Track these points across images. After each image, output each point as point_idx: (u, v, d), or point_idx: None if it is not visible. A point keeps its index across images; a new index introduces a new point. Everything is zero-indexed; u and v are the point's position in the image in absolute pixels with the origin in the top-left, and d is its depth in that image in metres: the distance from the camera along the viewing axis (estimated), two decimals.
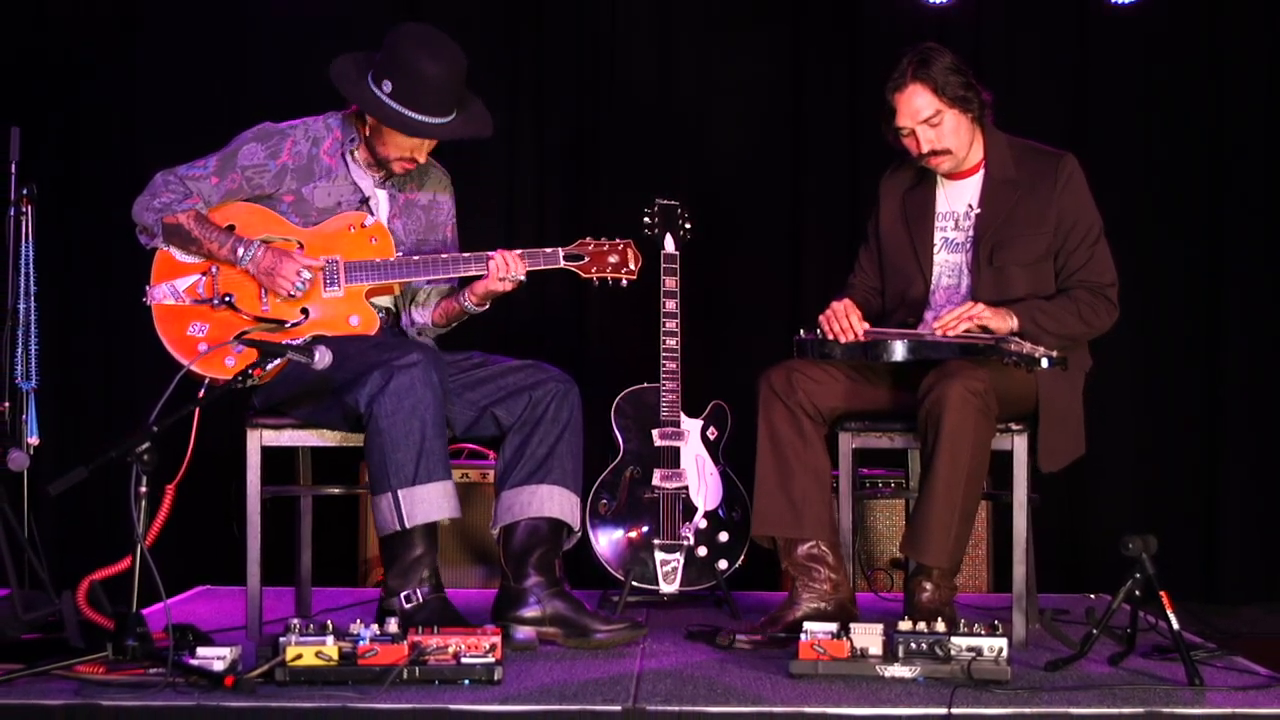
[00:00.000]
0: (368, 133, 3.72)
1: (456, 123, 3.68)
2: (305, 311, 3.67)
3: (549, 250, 3.72)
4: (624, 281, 3.76)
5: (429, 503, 3.44)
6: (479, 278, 3.69)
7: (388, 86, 3.60)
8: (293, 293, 3.63)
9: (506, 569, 3.57)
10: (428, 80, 3.59)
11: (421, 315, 3.87)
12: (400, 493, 3.42)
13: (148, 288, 3.69)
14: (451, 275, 3.73)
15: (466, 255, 3.70)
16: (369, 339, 3.65)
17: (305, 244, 3.70)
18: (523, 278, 3.67)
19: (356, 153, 3.78)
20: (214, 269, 3.67)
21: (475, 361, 3.71)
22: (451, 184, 3.97)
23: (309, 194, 3.73)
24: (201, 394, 3.43)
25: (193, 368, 3.50)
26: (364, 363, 3.47)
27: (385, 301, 3.83)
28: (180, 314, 3.67)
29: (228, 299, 3.66)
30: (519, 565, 3.54)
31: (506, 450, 3.62)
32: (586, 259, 3.74)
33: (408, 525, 3.43)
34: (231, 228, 3.68)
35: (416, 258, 3.72)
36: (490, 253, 3.67)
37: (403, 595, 3.46)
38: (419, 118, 3.61)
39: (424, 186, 3.90)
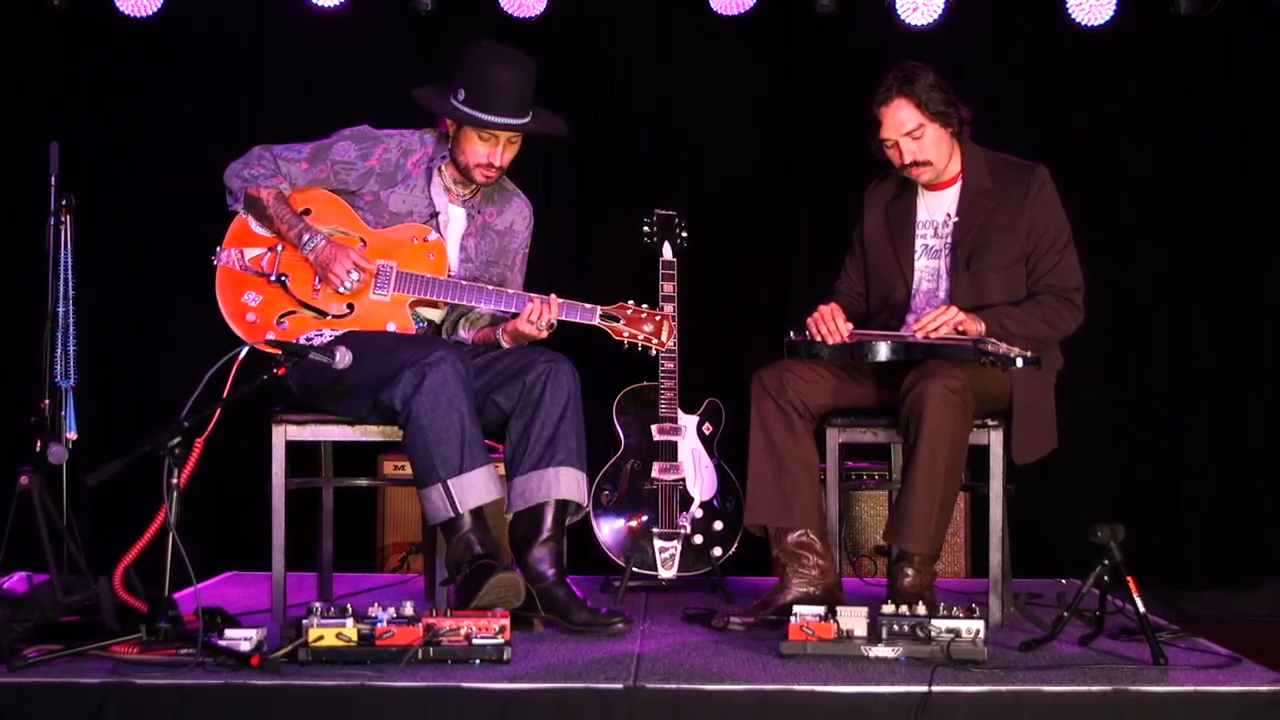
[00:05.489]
0: (451, 145, 3.72)
1: (526, 122, 3.67)
2: (350, 307, 3.67)
3: (587, 306, 3.64)
4: (653, 350, 3.68)
5: (477, 487, 3.42)
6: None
7: (461, 94, 3.62)
8: (341, 289, 3.63)
9: (514, 554, 3.56)
10: (497, 84, 3.60)
11: (465, 333, 3.85)
12: (450, 482, 3.40)
13: (218, 249, 3.72)
14: (492, 307, 3.68)
15: (510, 293, 3.66)
16: (394, 335, 3.64)
17: (368, 242, 3.70)
18: (553, 324, 3.61)
19: (444, 169, 3.77)
20: (279, 247, 3.69)
21: (474, 350, 3.70)
22: (532, 216, 3.94)
23: (386, 197, 3.73)
24: (239, 363, 3.34)
25: (252, 344, 3.46)
26: (391, 359, 3.46)
27: (430, 314, 3.82)
28: (240, 280, 3.70)
29: (283, 278, 3.67)
30: (523, 552, 3.53)
31: (512, 434, 3.58)
32: (622, 321, 3.64)
33: (460, 511, 3.41)
34: (307, 211, 3.70)
35: (464, 282, 3.69)
36: (532, 295, 3.62)
37: (455, 572, 3.43)
38: (488, 116, 3.61)
39: (504, 212, 3.88)
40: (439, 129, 3.78)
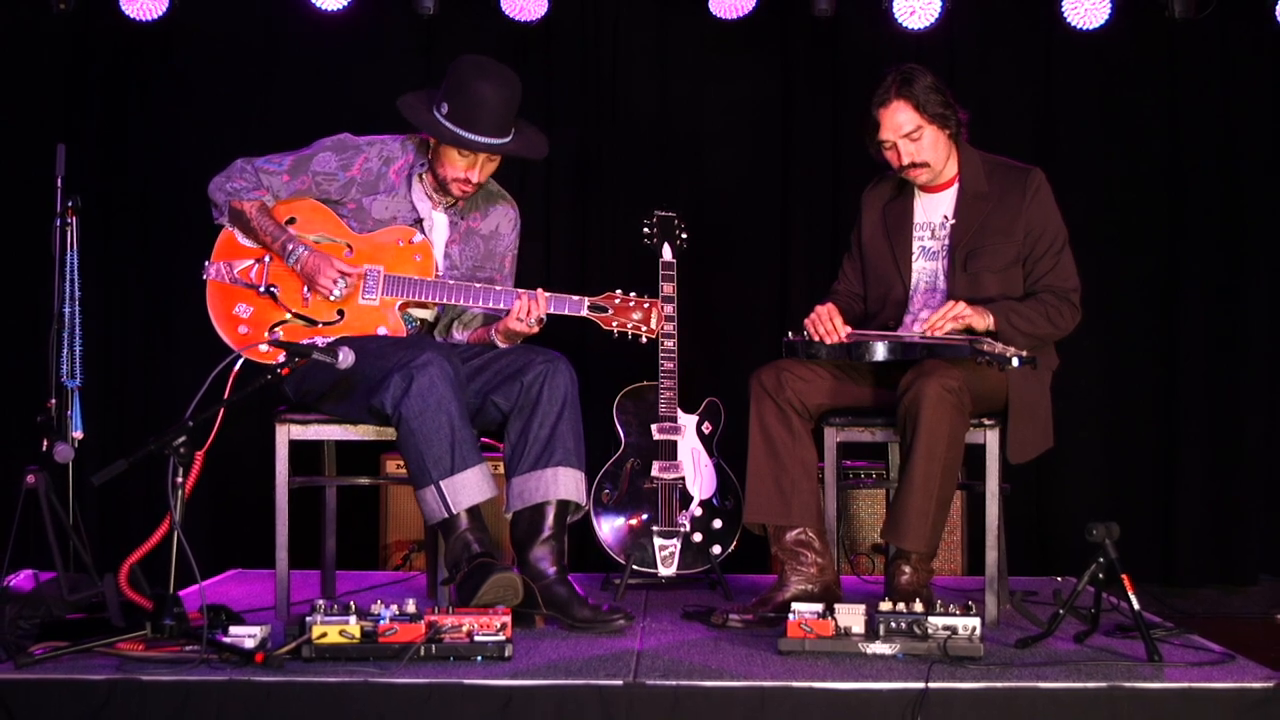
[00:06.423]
0: (431, 156, 3.71)
1: (507, 143, 3.65)
2: (341, 313, 3.67)
3: (575, 298, 3.62)
4: (644, 338, 3.65)
5: (470, 487, 3.42)
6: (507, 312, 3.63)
7: (444, 109, 3.60)
8: (329, 298, 3.63)
9: (514, 553, 3.56)
10: (480, 101, 3.57)
11: (459, 334, 3.85)
12: (442, 484, 3.40)
13: (206, 263, 3.71)
14: (480, 305, 3.67)
15: (498, 289, 3.65)
16: (384, 339, 3.63)
17: (355, 248, 3.69)
18: (543, 319, 3.60)
19: (424, 176, 3.76)
20: (267, 258, 3.69)
21: (472, 350, 3.69)
22: (519, 219, 3.93)
23: (369, 205, 3.73)
24: (235, 372, 3.34)
25: (245, 354, 3.46)
26: (381, 363, 3.46)
27: (423, 314, 3.81)
28: (230, 293, 3.69)
29: (272, 289, 3.66)
30: (524, 551, 3.53)
31: (511, 434, 3.58)
32: (610, 311, 3.61)
33: (454, 511, 3.41)
34: (293, 220, 3.69)
35: (451, 282, 3.68)
36: (520, 290, 3.61)
37: (455, 571, 3.42)
38: (469, 135, 3.59)
39: (488, 217, 3.87)
40: (420, 136, 3.76)
